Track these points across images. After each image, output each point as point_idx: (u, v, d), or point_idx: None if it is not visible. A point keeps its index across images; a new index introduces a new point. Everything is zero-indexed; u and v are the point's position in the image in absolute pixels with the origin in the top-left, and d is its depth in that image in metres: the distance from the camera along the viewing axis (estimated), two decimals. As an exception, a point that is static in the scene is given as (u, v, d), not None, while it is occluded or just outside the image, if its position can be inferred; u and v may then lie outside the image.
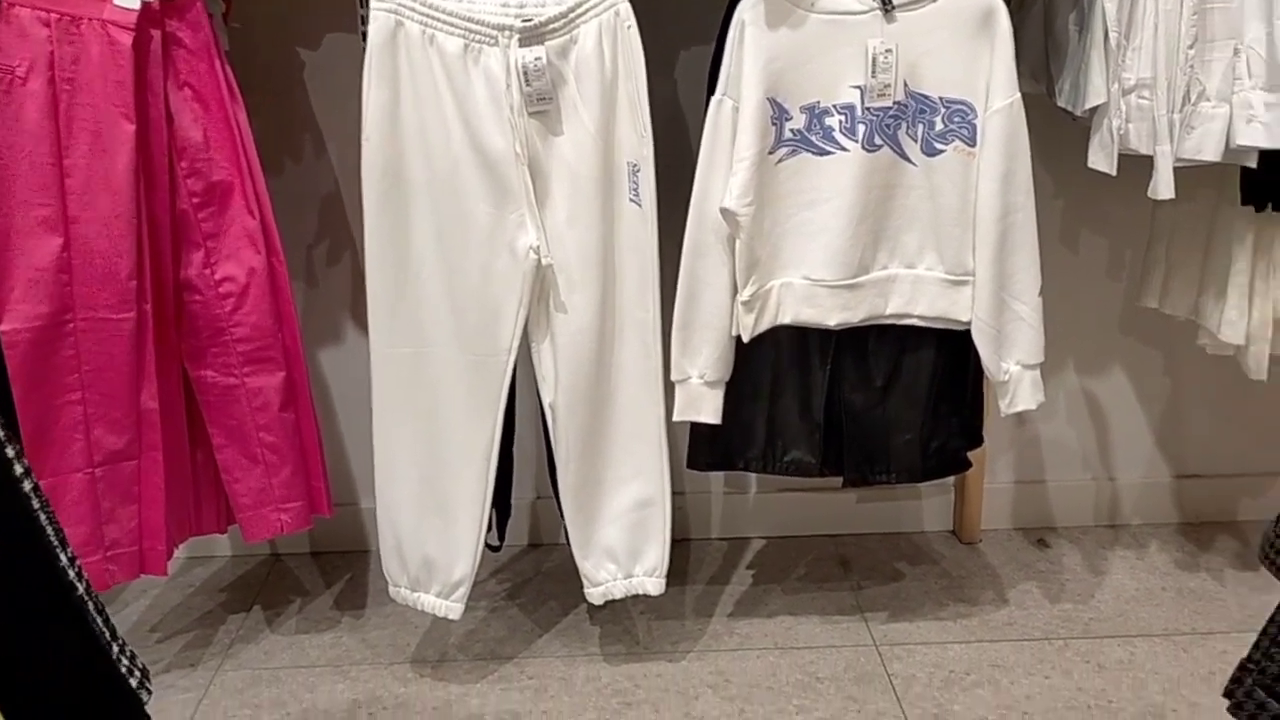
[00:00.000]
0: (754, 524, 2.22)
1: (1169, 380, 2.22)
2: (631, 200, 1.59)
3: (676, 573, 2.03)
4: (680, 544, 2.16)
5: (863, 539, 2.20)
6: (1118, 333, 2.18)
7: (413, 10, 1.49)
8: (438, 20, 1.49)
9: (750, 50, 1.50)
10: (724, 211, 1.53)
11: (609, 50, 1.53)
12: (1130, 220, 2.04)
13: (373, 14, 1.49)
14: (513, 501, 1.88)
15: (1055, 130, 1.81)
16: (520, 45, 1.50)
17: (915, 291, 1.62)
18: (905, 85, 1.53)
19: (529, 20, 1.50)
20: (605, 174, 1.57)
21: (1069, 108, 1.67)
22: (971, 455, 1.83)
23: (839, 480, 1.79)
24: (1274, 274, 1.63)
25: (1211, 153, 1.51)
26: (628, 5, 1.52)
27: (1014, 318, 1.61)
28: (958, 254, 1.59)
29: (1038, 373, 1.64)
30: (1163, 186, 1.52)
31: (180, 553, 2.04)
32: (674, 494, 1.73)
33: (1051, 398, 1.99)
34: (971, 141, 1.55)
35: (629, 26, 1.53)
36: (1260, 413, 2.19)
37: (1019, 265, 1.59)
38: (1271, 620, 0.91)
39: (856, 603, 1.99)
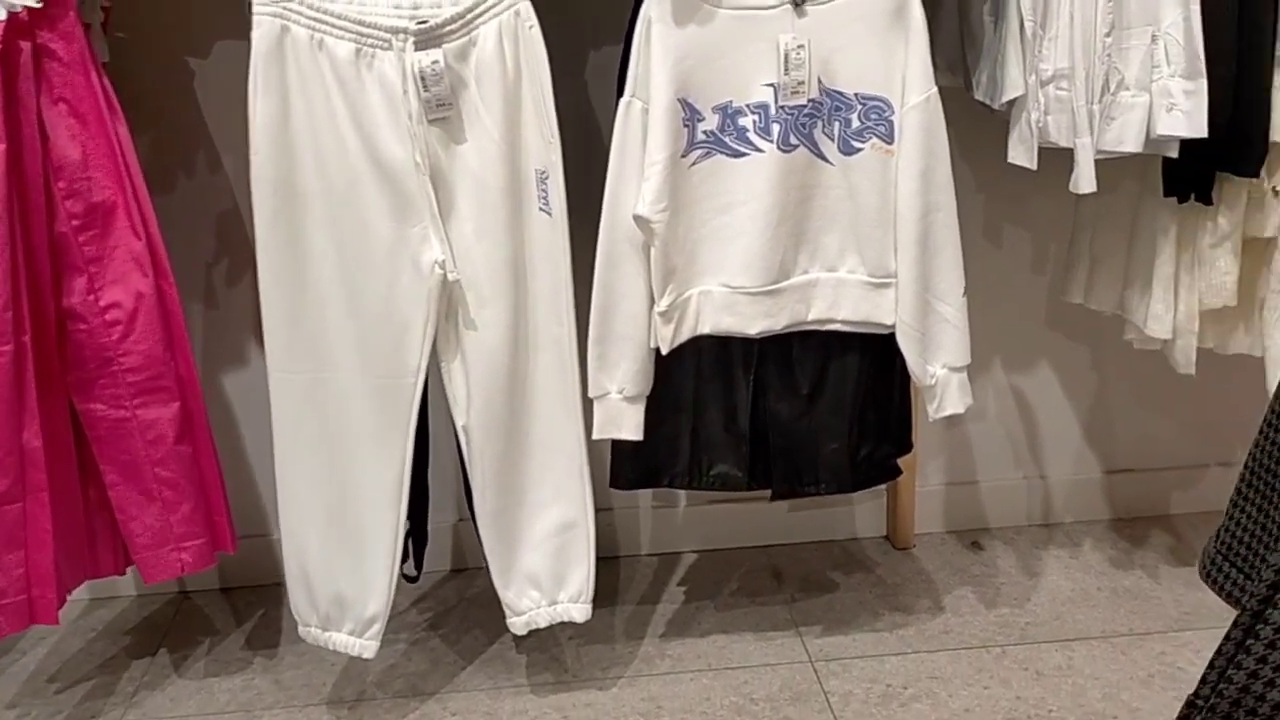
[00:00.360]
0: (684, 537, 2.15)
1: (1096, 375, 2.20)
2: (541, 209, 1.52)
3: (605, 592, 1.96)
4: (608, 562, 2.09)
5: (796, 548, 2.15)
6: (1044, 328, 2.15)
7: (299, 14, 1.41)
8: (326, 24, 1.41)
9: (658, 49, 1.44)
10: (637, 219, 1.47)
11: (510, 52, 1.45)
12: (1053, 213, 2.02)
13: (255, 19, 1.40)
14: (432, 526, 1.80)
15: (974, 123, 1.77)
16: (416, 49, 1.42)
17: (837, 296, 1.56)
18: (819, 82, 1.48)
19: (424, 22, 1.42)
20: (512, 182, 1.50)
21: (986, 100, 1.64)
22: (902, 460, 1.78)
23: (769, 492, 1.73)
24: (1199, 266, 1.60)
25: (1132, 143, 1.47)
26: (528, 5, 1.45)
27: (938, 320, 1.56)
28: (879, 255, 1.54)
29: (965, 375, 1.60)
30: (1084, 180, 1.48)
31: (81, 594, 1.93)
32: (600, 510, 1.66)
33: (980, 397, 1.95)
34: (889, 139, 1.51)
35: (530, 27, 1.46)
36: (1188, 405, 2.18)
37: (941, 266, 1.55)
38: (1219, 653, 0.86)
39: (791, 616, 1.93)
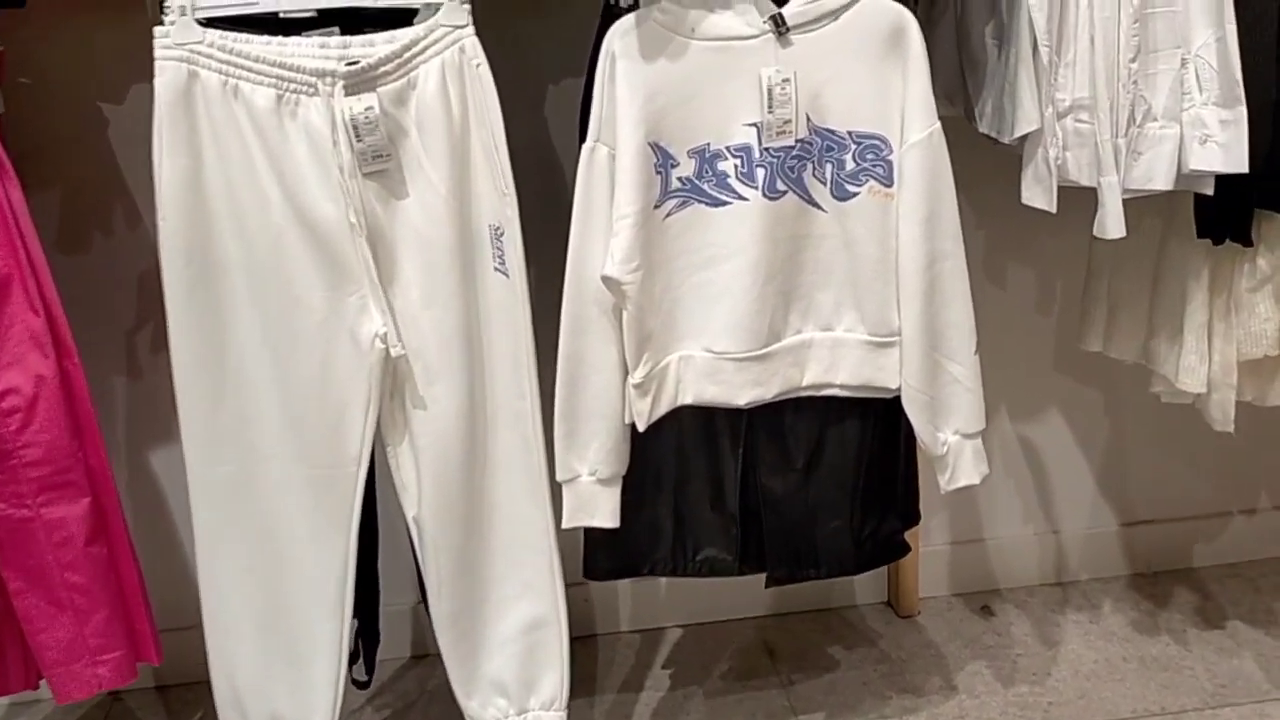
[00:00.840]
0: (668, 611, 1.96)
1: (1110, 420, 2.03)
2: (497, 270, 1.33)
3: (582, 678, 1.77)
4: (585, 641, 1.91)
5: (789, 620, 1.96)
6: (1053, 372, 1.99)
7: (210, 57, 1.22)
8: (242, 68, 1.22)
9: (624, 87, 1.26)
10: (606, 280, 1.29)
11: (456, 94, 1.27)
12: (1061, 250, 1.85)
13: (158, 65, 1.22)
14: (390, 609, 1.62)
15: (972, 151, 1.58)
16: (346, 93, 1.24)
17: (835, 357, 1.38)
18: (808, 120, 1.30)
19: (354, 63, 1.23)
20: (463, 241, 1.31)
21: (993, 134, 1.46)
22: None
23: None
24: (1235, 312, 1.43)
25: (1163, 180, 1.31)
26: (474, 40, 1.27)
27: (949, 381, 1.39)
28: (881, 311, 1.37)
29: (979, 441, 1.43)
30: (1111, 223, 1.31)
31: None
32: (573, 585, 1.47)
33: (986, 447, 1.77)
34: (888, 181, 1.33)
35: (477, 64, 1.28)
36: (1209, 450, 2.01)
37: (950, 321, 1.37)
38: None
39: (788, 702, 1.75)
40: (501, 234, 1.32)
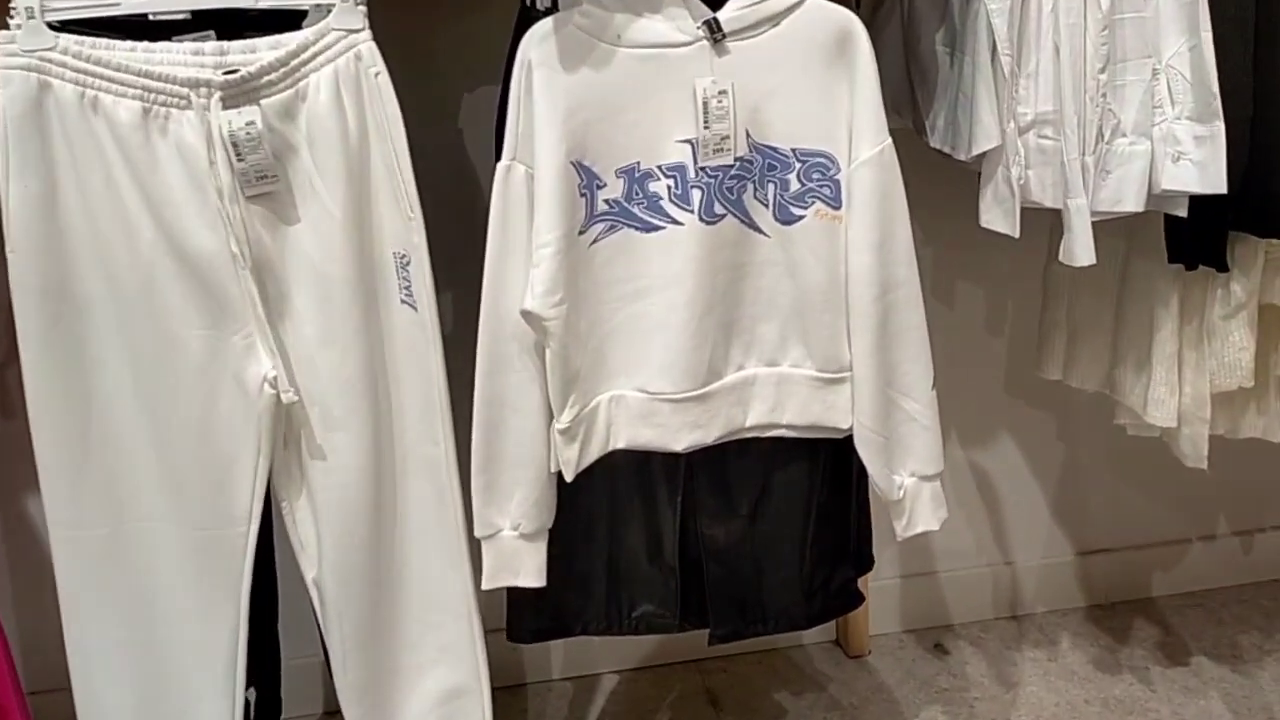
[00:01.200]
0: (603, 657, 1.83)
1: (1064, 446, 1.94)
2: (403, 302, 1.19)
3: (511, 736, 1.64)
4: (513, 692, 1.77)
5: (733, 662, 1.84)
6: (1004, 395, 1.90)
7: (64, 66, 1.06)
8: (102, 77, 1.07)
9: (542, 100, 1.13)
10: (526, 315, 1.15)
11: (352, 106, 1.13)
12: (1012, 266, 1.75)
13: (2, 75, 1.06)
14: (299, 663, 1.49)
15: (916, 160, 1.47)
16: (224, 106, 1.09)
17: (781, 395, 1.26)
18: (748, 136, 1.18)
19: (233, 72, 1.09)
20: (363, 271, 1.17)
21: (946, 149, 1.35)
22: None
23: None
24: (1208, 341, 1.33)
25: (1133, 201, 1.20)
26: (372, 46, 1.13)
27: (905, 419, 1.27)
28: (830, 345, 1.25)
29: (938, 484, 1.31)
30: (1080, 250, 1.20)
31: None
32: (494, 631, 1.34)
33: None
34: (836, 202, 1.21)
35: (376, 73, 1.13)
36: (1166, 476, 1.90)
37: (906, 354, 1.25)
38: None
39: (733, 758, 1.63)
40: (408, 262, 1.18)
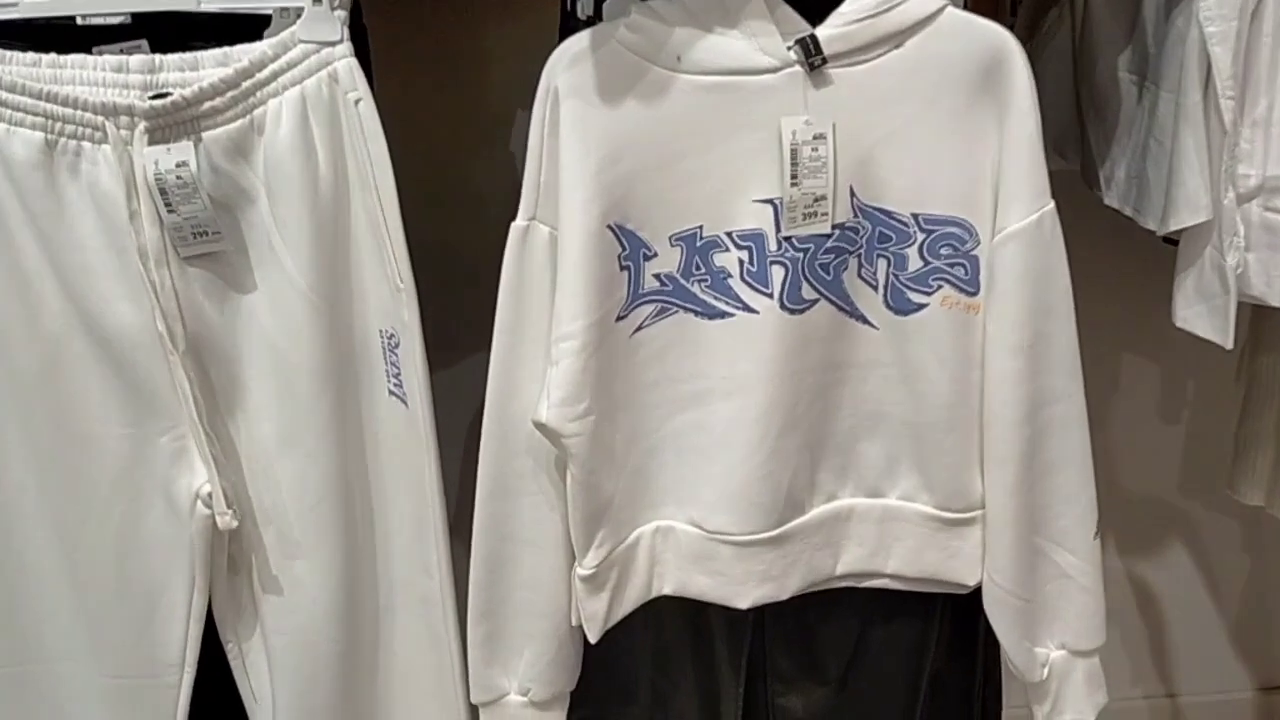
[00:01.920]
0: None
1: (1249, 559, 1.58)
2: (392, 394, 0.92)
3: None
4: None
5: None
6: (1177, 495, 1.55)
7: (-57, 85, 0.82)
8: (-7, 102, 0.82)
9: (573, 141, 0.83)
10: (540, 427, 0.86)
11: (325, 142, 0.86)
12: (1196, 339, 1.39)
13: None
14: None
15: (1071, 199, 1.13)
16: (151, 141, 0.82)
17: (885, 536, 0.95)
18: (853, 196, 0.86)
19: (163, 94, 0.82)
20: (338, 355, 0.90)
21: (1127, 212, 1.02)
22: None
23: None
24: None
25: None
26: (352, 63, 0.85)
27: (1055, 575, 0.94)
28: (956, 475, 0.93)
29: (1096, 661, 0.98)
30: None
31: None
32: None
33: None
34: (971, 286, 0.89)
35: (357, 100, 0.86)
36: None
37: (1061, 491, 0.92)
38: None
39: None
40: (397, 344, 0.91)
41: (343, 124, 0.86)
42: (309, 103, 0.85)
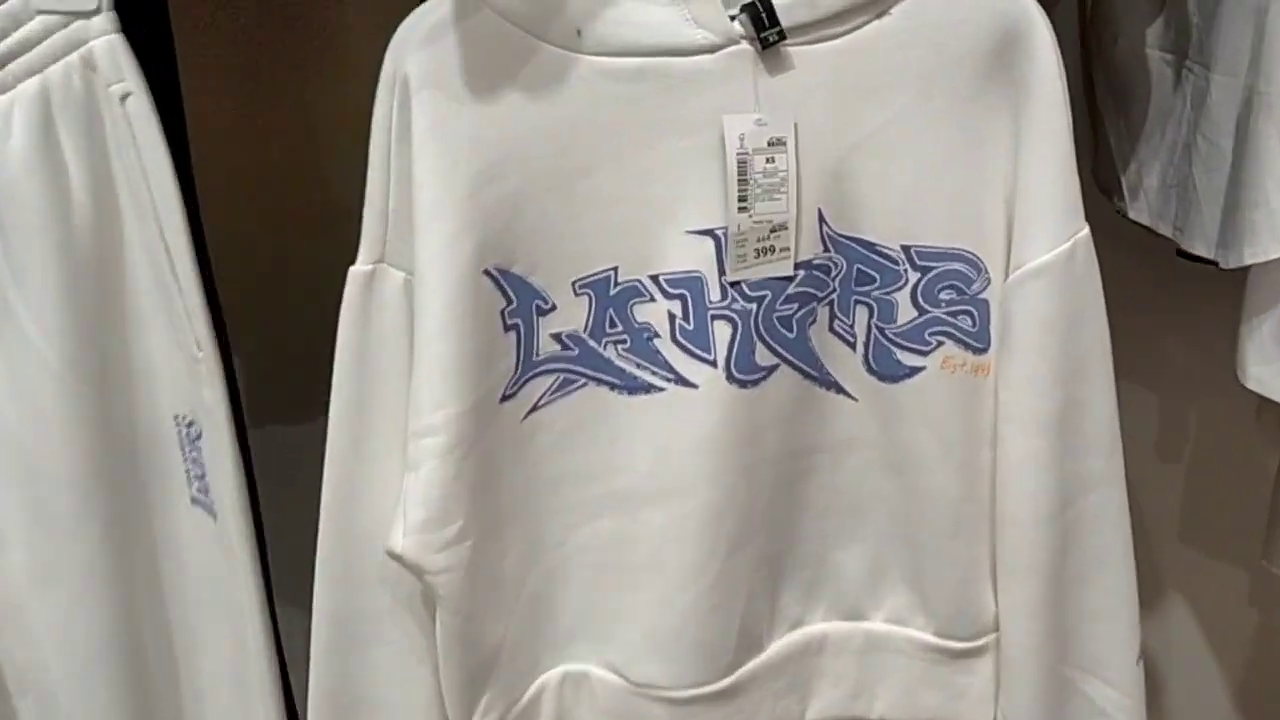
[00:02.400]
0: None
1: (1257, 614, 1.39)
2: (195, 502, 0.67)
3: None
4: None
5: None
6: (1175, 542, 1.34)
7: None
8: None
9: (432, 151, 0.58)
10: (398, 559, 0.61)
11: (80, 155, 0.60)
12: (1193, 361, 1.19)
13: None
14: None
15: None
16: None
17: (869, 671, 0.72)
18: (822, 222, 0.63)
19: None
20: (109, 455, 0.64)
21: (1165, 229, 0.80)
22: None
23: None
24: None
25: None
26: (115, 41, 0.60)
27: (1089, 714, 0.71)
28: (962, 590, 0.70)
29: (1138, 816, 0.76)
30: None
31: None
32: None
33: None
34: (980, 340, 0.66)
35: (124, 95, 0.60)
36: None
37: (1098, 606, 0.70)
38: None
39: None
40: (199, 435, 0.65)
41: (106, 129, 0.61)
42: (53, 99, 0.59)
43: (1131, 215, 0.83)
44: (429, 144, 0.58)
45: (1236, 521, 1.17)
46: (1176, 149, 0.77)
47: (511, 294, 0.62)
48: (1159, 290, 1.05)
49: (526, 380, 0.63)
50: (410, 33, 0.58)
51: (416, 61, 0.58)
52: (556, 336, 0.63)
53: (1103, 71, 0.85)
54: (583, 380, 0.64)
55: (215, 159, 0.74)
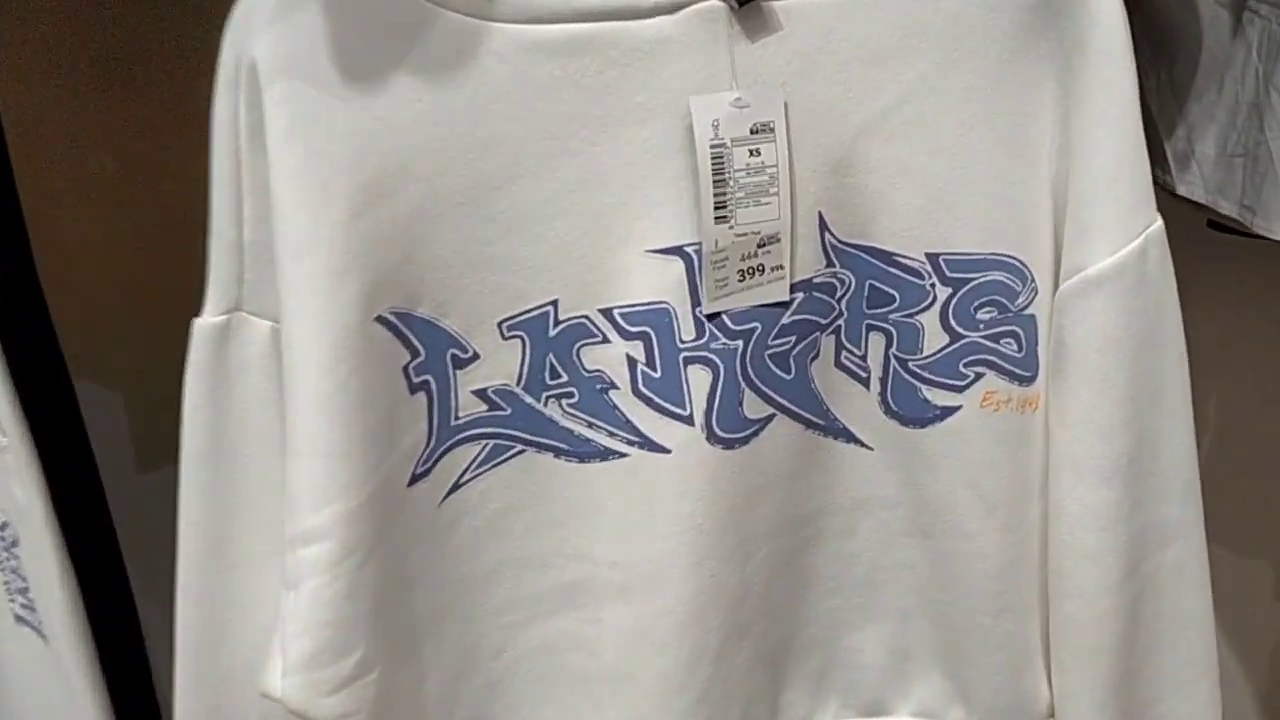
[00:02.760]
0: None
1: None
2: (20, 621, 0.52)
3: None
4: None
5: None
6: (1273, 603, 1.21)
7: None
8: None
9: (296, 160, 0.43)
10: (275, 702, 0.46)
11: None
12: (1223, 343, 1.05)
13: None
14: None
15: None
16: None
17: (892, 778, 0.57)
18: (824, 229, 0.48)
19: None
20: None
21: (1227, 206, 0.65)
22: None
23: None
24: None
25: None
26: None
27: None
28: (1009, 677, 0.56)
29: None
30: None
31: None
32: None
33: None
34: (1027, 367, 0.52)
35: None
36: None
37: (1174, 679, 0.56)
38: None
39: None
40: (15, 541, 0.50)
41: None
42: None
43: (1181, 191, 0.68)
44: (290, 153, 0.42)
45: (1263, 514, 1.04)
46: (1240, 110, 0.63)
47: (417, 343, 0.46)
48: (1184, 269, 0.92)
49: (444, 452, 0.48)
50: (255, 3, 0.43)
51: (267, 43, 0.42)
52: (481, 393, 0.48)
53: (1142, 21, 0.70)
54: (518, 447, 0.49)
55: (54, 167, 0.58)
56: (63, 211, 0.62)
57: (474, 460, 0.49)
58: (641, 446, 0.49)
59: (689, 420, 0.48)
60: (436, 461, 0.48)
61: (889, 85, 0.47)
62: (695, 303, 0.47)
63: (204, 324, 0.45)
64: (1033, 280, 0.51)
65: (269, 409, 0.46)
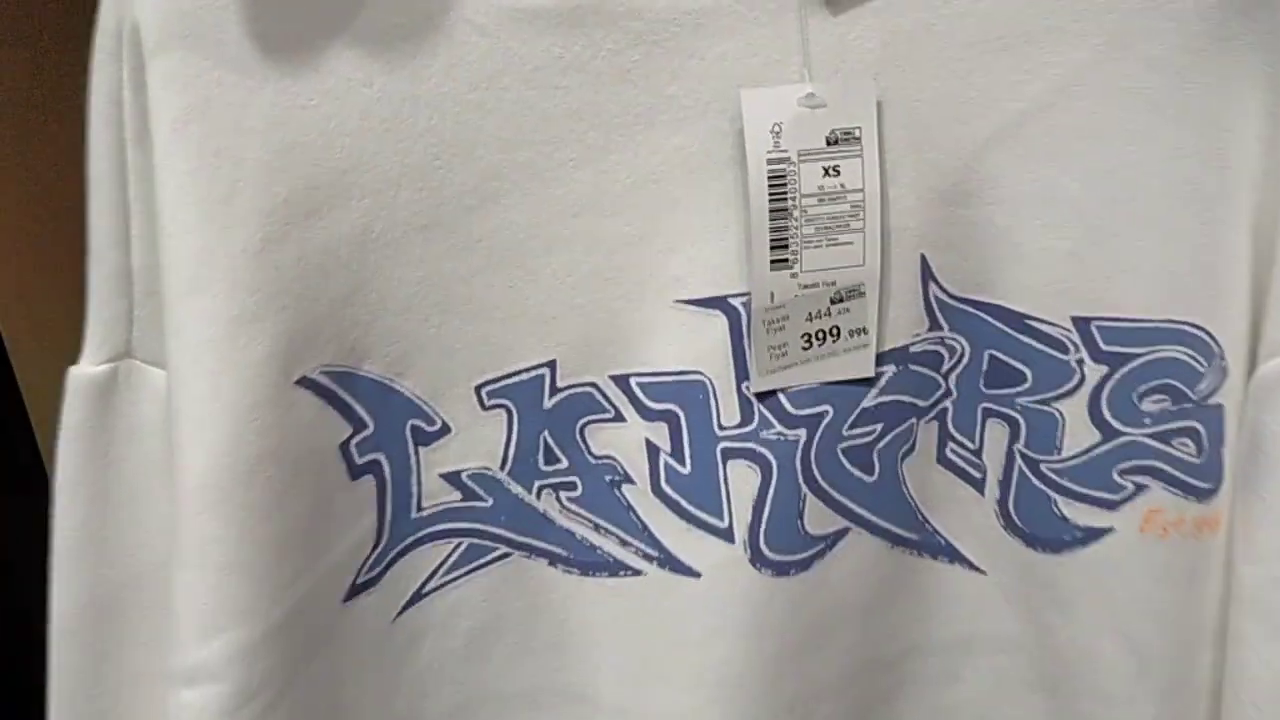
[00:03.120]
0: None
1: None
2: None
3: None
4: None
5: None
6: None
7: None
8: None
9: (183, 166, 0.31)
10: None
11: None
12: None
13: None
14: None
15: None
16: None
17: None
18: (929, 279, 0.35)
19: None
20: None
21: None
22: None
23: None
24: None
25: None
26: None
27: None
28: None
29: None
30: None
31: None
32: None
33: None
34: (1209, 478, 0.37)
35: None
36: None
37: None
38: None
39: None
40: None
41: None
42: None
43: None
44: (181, 152, 0.31)
45: None
46: None
47: (362, 413, 0.34)
48: None
49: (400, 554, 0.36)
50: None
51: (157, 9, 0.30)
52: (454, 478, 0.36)
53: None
54: (501, 549, 0.37)
55: None
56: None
57: (442, 564, 0.37)
58: (662, 565, 0.36)
59: (727, 535, 0.35)
60: (389, 567, 0.36)
61: (1029, 81, 0.33)
62: (741, 376, 0.34)
63: (81, 374, 0.34)
64: (1222, 358, 0.36)
65: (169, 485, 0.35)
